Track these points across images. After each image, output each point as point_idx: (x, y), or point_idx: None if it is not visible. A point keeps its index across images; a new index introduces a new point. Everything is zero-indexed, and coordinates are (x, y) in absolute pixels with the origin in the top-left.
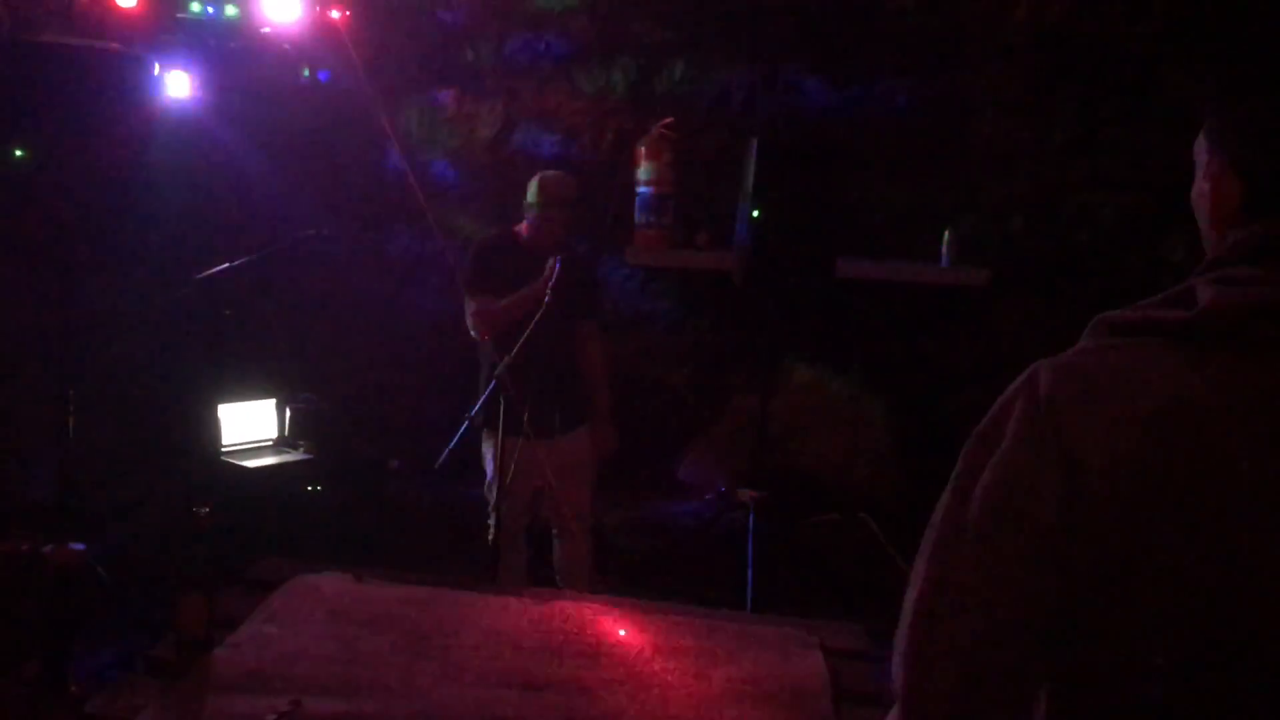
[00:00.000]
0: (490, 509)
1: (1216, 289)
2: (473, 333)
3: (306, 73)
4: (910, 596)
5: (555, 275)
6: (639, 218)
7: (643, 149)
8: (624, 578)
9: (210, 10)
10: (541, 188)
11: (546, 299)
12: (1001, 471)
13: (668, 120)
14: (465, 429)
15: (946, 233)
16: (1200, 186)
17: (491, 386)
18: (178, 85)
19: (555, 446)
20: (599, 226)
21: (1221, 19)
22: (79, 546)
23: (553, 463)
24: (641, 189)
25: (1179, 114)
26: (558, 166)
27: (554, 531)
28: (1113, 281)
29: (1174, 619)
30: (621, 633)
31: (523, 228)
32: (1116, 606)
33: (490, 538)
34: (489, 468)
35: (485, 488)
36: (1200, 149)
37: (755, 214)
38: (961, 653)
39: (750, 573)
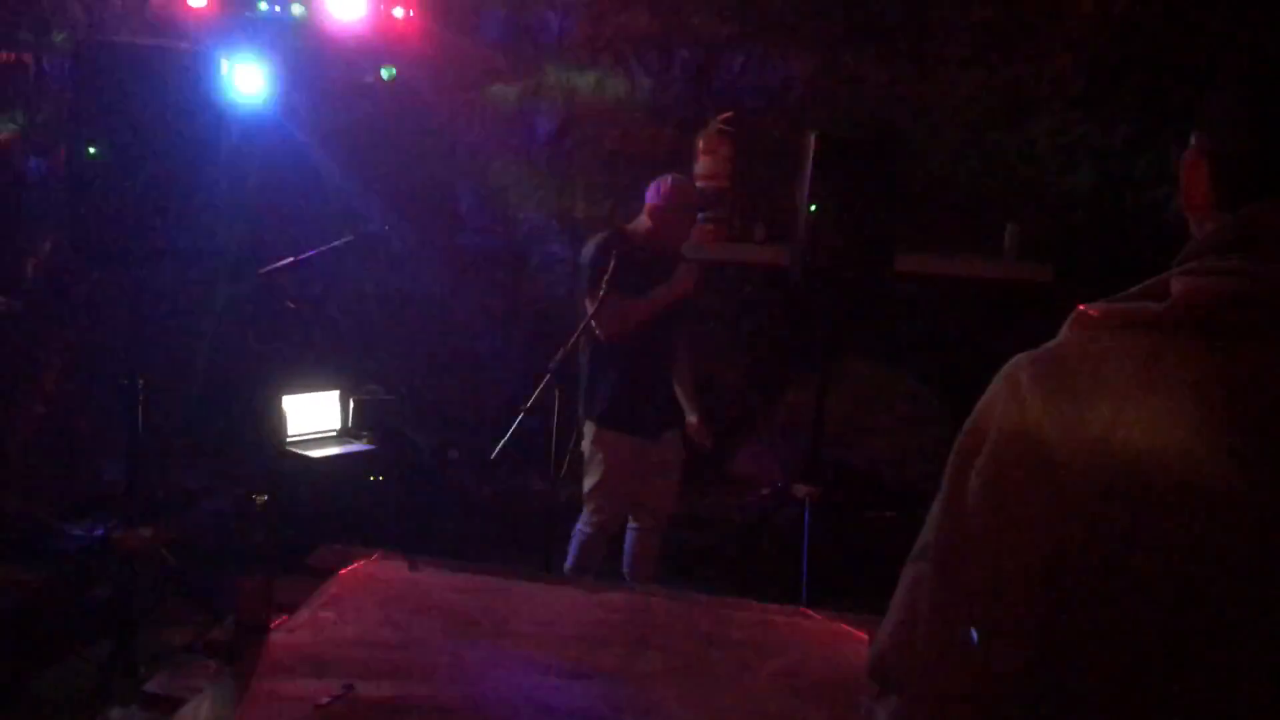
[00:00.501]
0: (587, 509)
1: (1186, 281)
2: (598, 331)
3: (382, 73)
4: (922, 604)
5: (690, 280)
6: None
7: (701, 142)
8: (678, 571)
9: (278, 9)
10: (671, 191)
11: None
12: (991, 471)
13: (726, 114)
14: (520, 421)
15: (1009, 227)
16: (1181, 176)
17: (545, 380)
18: (247, 82)
19: (655, 447)
20: None
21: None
22: (147, 532)
23: (652, 461)
24: (699, 182)
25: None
26: (616, 160)
27: (631, 525)
28: None
29: (1157, 612)
30: (670, 624)
31: (639, 228)
32: (1101, 612)
33: (584, 529)
34: (589, 461)
35: (587, 486)
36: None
37: (813, 208)
38: (976, 658)
39: (805, 568)
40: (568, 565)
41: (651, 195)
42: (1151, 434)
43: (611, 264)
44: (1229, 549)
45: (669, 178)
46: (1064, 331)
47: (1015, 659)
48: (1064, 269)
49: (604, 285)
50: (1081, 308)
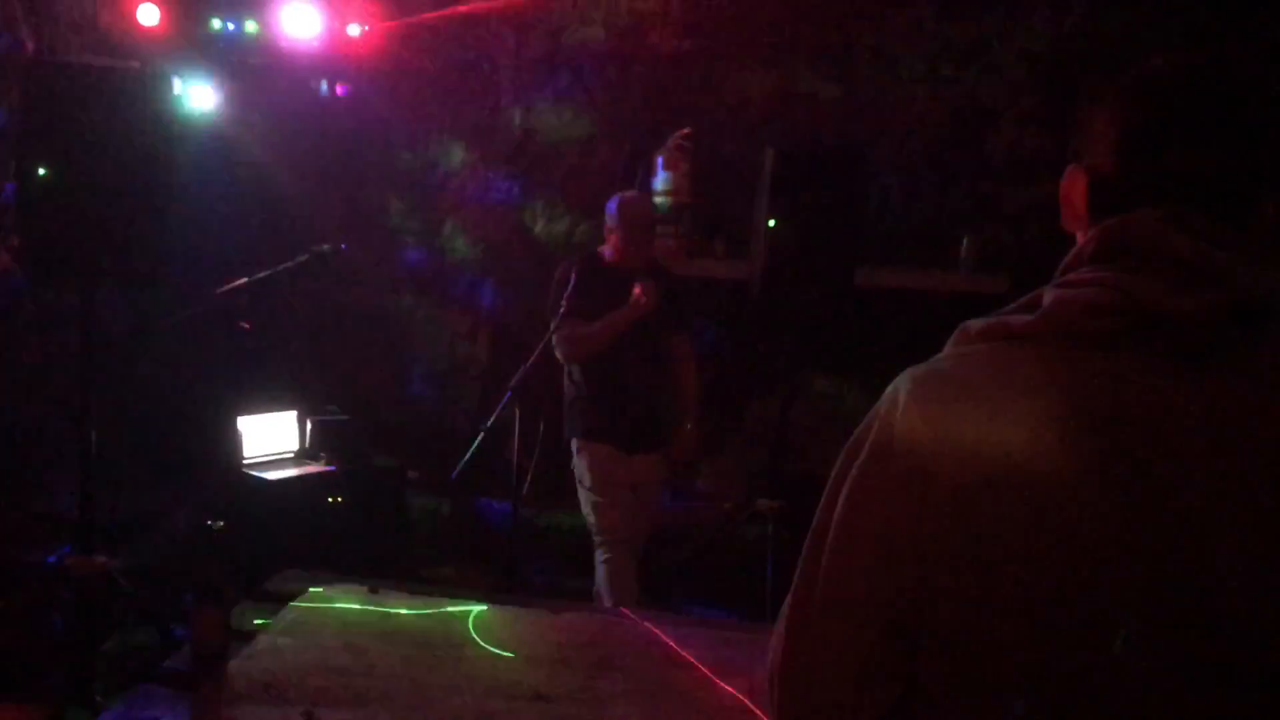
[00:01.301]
0: (603, 539)
1: (1056, 292)
2: (560, 356)
3: (325, 87)
4: (782, 611)
5: (647, 298)
6: (657, 227)
7: (660, 159)
8: (644, 589)
9: (231, 26)
10: (622, 211)
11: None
12: (858, 481)
13: (684, 131)
14: (480, 440)
15: (965, 240)
16: (1062, 191)
17: (506, 398)
18: (200, 101)
19: (639, 463)
20: None
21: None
22: (102, 558)
23: (633, 479)
24: (658, 199)
25: None
26: (575, 177)
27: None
28: None
29: (1025, 624)
30: (632, 644)
31: (607, 250)
32: (969, 625)
33: (604, 566)
34: (589, 480)
35: (586, 502)
36: None
37: (772, 223)
38: (818, 669)
39: (770, 583)
40: (609, 605)
41: (607, 216)
42: (1010, 438)
43: (569, 288)
44: (1075, 537)
45: (618, 196)
46: (948, 345)
47: (860, 646)
48: (1020, 280)
49: (556, 312)
50: (964, 323)
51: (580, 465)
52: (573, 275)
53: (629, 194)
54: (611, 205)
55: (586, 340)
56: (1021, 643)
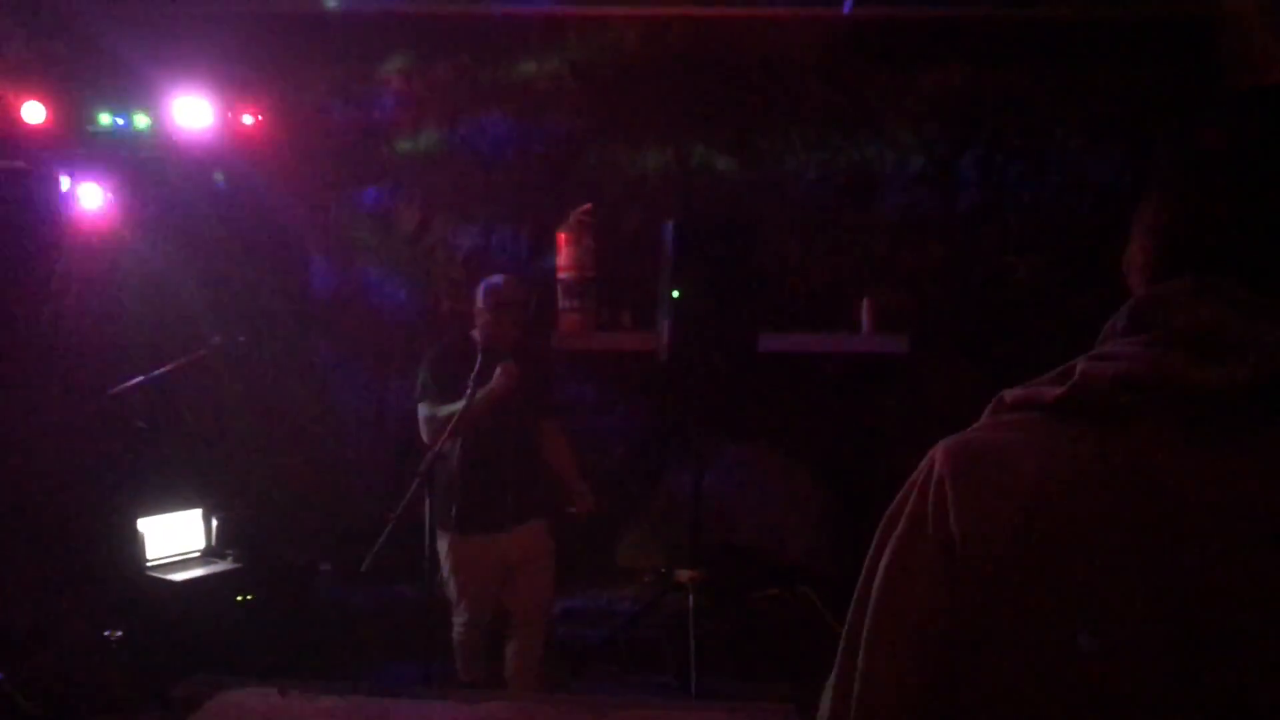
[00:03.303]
0: (455, 612)
1: (1089, 364)
2: (425, 439)
3: (220, 178)
4: (829, 682)
5: (503, 381)
6: (562, 302)
7: (562, 235)
8: (566, 669)
9: (120, 122)
10: (487, 293)
11: (494, 402)
12: (893, 554)
13: (586, 206)
14: (390, 529)
15: (864, 302)
16: (1127, 251)
17: (415, 485)
18: (89, 197)
19: (512, 540)
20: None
21: (1113, 81)
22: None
23: (509, 556)
24: (563, 274)
25: (1079, 176)
26: (477, 256)
27: (508, 627)
28: (1030, 341)
29: (1060, 691)
30: None
31: (475, 332)
32: (998, 694)
33: (454, 635)
34: (444, 565)
35: (440, 583)
36: None
37: (675, 294)
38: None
39: (692, 653)
40: (459, 674)
41: (477, 298)
42: (1041, 510)
43: (422, 373)
44: (1105, 610)
45: (484, 281)
46: (985, 414)
47: (905, 711)
48: (919, 339)
49: (420, 396)
50: (1001, 393)
51: (442, 552)
52: (426, 364)
53: (494, 277)
54: (479, 288)
55: (443, 422)
56: (1055, 710)
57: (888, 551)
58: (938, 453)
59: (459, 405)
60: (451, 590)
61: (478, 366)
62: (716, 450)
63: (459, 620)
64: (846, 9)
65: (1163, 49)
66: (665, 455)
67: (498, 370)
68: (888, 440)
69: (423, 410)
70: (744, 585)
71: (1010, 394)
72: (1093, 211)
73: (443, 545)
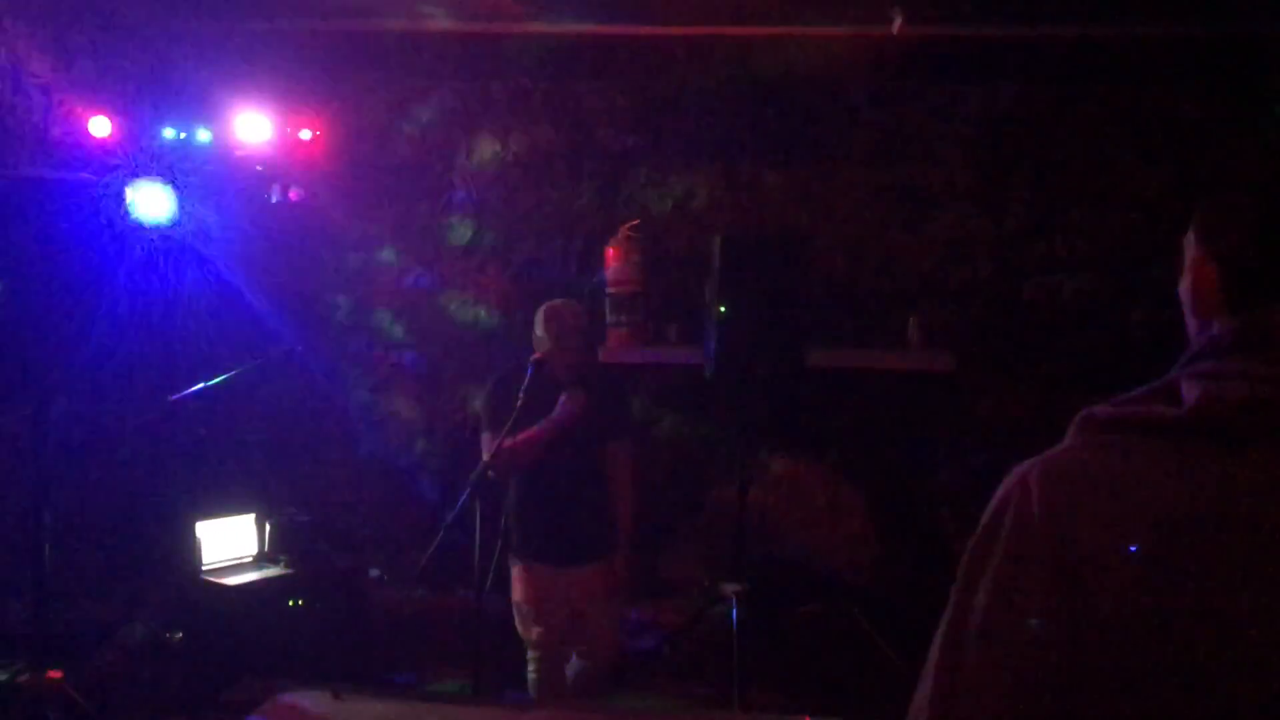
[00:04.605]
0: (528, 646)
1: (1202, 385)
2: (489, 473)
3: (277, 193)
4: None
5: (570, 408)
6: (610, 317)
7: (611, 250)
8: (612, 679)
9: (183, 136)
10: (548, 319)
11: (563, 430)
12: (997, 589)
13: (633, 222)
14: (441, 537)
15: (911, 319)
16: (1185, 279)
17: (466, 493)
18: (152, 209)
19: (583, 574)
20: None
21: (1161, 100)
22: (56, 674)
23: (575, 596)
24: (611, 288)
25: (1127, 193)
26: (528, 271)
27: (574, 653)
28: (1077, 360)
29: (1159, 708)
30: None
31: (535, 358)
32: (1111, 708)
33: (530, 674)
34: (518, 595)
35: (515, 614)
36: (1188, 243)
37: (722, 309)
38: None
39: (736, 667)
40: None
41: (535, 325)
42: (1187, 544)
43: (485, 404)
44: (1265, 657)
45: (544, 307)
46: (1070, 434)
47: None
48: (966, 357)
49: (484, 426)
50: (1086, 411)
51: (513, 583)
52: (495, 393)
53: (554, 302)
54: (539, 314)
55: (511, 455)
56: None
57: (987, 580)
58: (1032, 477)
59: (525, 435)
60: (520, 620)
61: (526, 382)
62: (762, 465)
63: (533, 655)
64: (895, 28)
65: (1212, 68)
66: (711, 469)
67: (562, 398)
68: (934, 457)
69: (486, 440)
70: (789, 600)
71: (1101, 412)
72: (1141, 230)
73: (514, 572)
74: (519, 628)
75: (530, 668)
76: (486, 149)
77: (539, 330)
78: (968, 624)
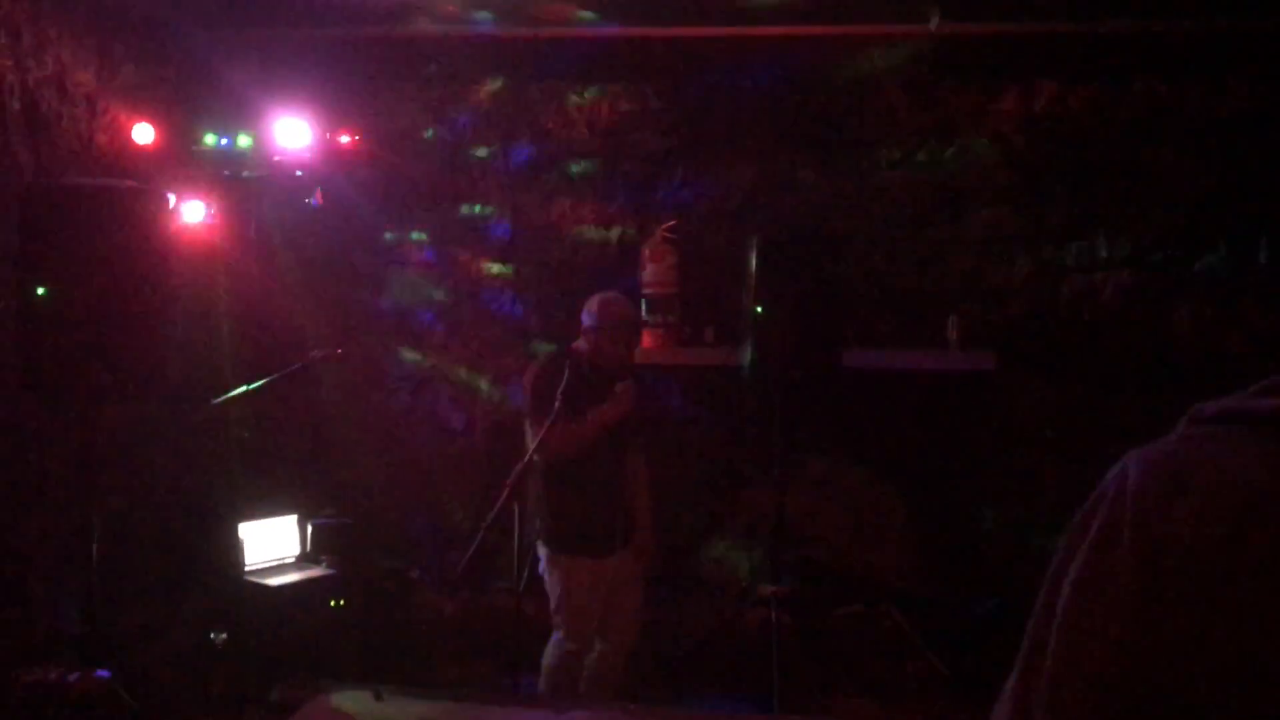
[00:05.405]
0: (556, 633)
1: None
2: (536, 457)
3: (317, 197)
4: (1005, 692)
5: (627, 400)
6: (645, 318)
7: (646, 251)
8: (646, 680)
9: (224, 141)
10: (602, 310)
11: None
12: (1085, 567)
13: (670, 223)
14: (482, 538)
15: (951, 319)
16: None
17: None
18: (195, 214)
19: (615, 562)
20: None
21: (1203, 94)
22: (104, 674)
23: (608, 580)
24: (647, 290)
25: (1169, 190)
26: (565, 274)
27: (601, 641)
28: (1118, 360)
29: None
30: None
31: (580, 346)
32: (1199, 709)
33: (548, 659)
34: (556, 590)
35: (554, 609)
36: None
37: (759, 309)
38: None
39: (775, 670)
40: (540, 690)
41: (585, 316)
42: (1249, 525)
43: (561, 386)
44: None
45: (598, 297)
46: (1179, 427)
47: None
48: (1006, 356)
49: (533, 413)
50: (1196, 406)
51: (546, 570)
52: (563, 374)
53: (610, 294)
54: (592, 304)
55: (568, 441)
56: None
57: (1077, 563)
58: (1131, 462)
59: (589, 422)
60: (553, 608)
61: (564, 381)
62: (800, 466)
63: (555, 640)
64: (933, 25)
65: (1256, 61)
66: (748, 471)
67: (616, 389)
68: (973, 457)
69: (530, 429)
70: (827, 601)
71: (1210, 407)
72: (1183, 228)
73: (544, 564)
74: (552, 606)
75: (551, 654)
76: (522, 151)
77: (589, 321)
78: (1049, 622)
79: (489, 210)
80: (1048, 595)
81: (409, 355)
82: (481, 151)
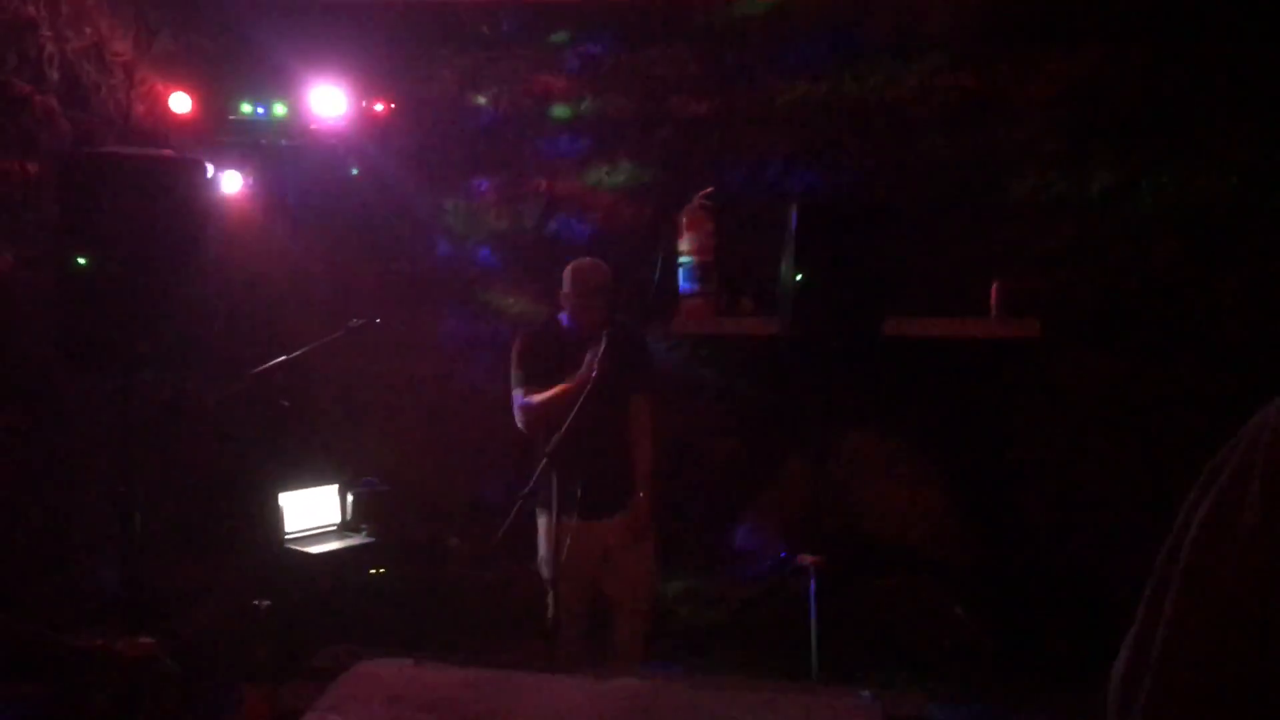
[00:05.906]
0: (548, 587)
1: None
2: (520, 425)
3: (355, 167)
4: (1128, 638)
5: (595, 365)
6: (683, 287)
7: (684, 219)
8: (684, 650)
9: (260, 110)
10: (575, 277)
11: (588, 386)
12: (1213, 506)
13: (707, 190)
14: (519, 507)
15: (994, 285)
16: None
17: (543, 464)
18: (231, 183)
19: (612, 525)
20: (644, 298)
21: (1252, 58)
22: (148, 639)
23: (609, 540)
24: (684, 258)
25: (1218, 154)
26: (601, 241)
27: (612, 609)
28: (1165, 328)
29: None
30: (677, 708)
31: (562, 316)
32: None
33: (549, 615)
34: (542, 546)
35: (538, 563)
36: None
37: (798, 278)
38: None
39: (814, 639)
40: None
41: (564, 282)
42: None
43: (514, 359)
44: None
45: (572, 264)
46: None
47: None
48: (1051, 323)
49: (512, 381)
50: None
51: (540, 532)
52: (548, 342)
53: (581, 260)
54: (566, 271)
55: (538, 410)
56: None
57: (1207, 503)
58: (1274, 408)
59: (552, 391)
60: (546, 573)
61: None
62: (839, 435)
63: (552, 605)
64: None
65: None
66: (787, 440)
67: (588, 356)
68: (1016, 427)
69: (516, 397)
70: (866, 571)
71: None
72: (1233, 194)
73: (541, 526)
74: (542, 573)
75: (551, 611)
76: (557, 118)
77: (565, 287)
78: (1183, 545)
79: (524, 178)
80: (1176, 537)
81: (447, 325)
82: (516, 119)
